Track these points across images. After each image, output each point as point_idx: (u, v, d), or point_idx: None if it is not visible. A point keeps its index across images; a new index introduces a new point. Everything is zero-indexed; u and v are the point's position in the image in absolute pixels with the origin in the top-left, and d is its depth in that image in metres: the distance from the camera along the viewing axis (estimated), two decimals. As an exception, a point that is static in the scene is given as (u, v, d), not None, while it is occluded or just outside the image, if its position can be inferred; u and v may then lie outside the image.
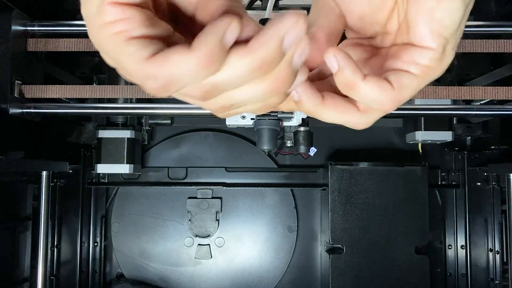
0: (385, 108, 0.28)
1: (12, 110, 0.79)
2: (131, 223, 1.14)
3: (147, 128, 1.10)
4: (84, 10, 0.24)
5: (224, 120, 0.91)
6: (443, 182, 1.14)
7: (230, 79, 0.23)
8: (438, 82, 1.03)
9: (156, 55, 0.23)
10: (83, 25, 0.84)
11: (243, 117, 0.86)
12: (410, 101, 0.92)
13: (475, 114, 0.86)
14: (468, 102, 0.93)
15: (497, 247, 1.08)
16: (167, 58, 0.22)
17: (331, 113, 0.29)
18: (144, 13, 0.24)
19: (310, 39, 0.29)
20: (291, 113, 0.85)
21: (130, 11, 0.23)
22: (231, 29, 0.22)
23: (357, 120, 0.30)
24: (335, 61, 0.28)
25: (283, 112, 0.85)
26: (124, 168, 1.02)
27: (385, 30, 0.31)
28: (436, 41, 0.27)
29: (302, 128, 0.92)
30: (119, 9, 0.23)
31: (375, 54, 0.32)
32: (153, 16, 0.24)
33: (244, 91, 0.24)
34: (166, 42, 0.24)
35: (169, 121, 1.13)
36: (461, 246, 1.12)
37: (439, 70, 0.28)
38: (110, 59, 0.25)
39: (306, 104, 0.29)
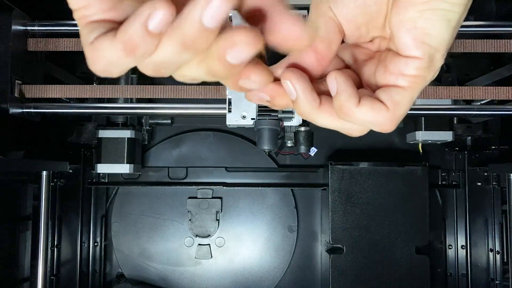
0: (384, 128, 0.28)
1: (12, 110, 0.79)
2: (131, 223, 1.13)
3: (147, 128, 1.10)
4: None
5: (224, 120, 0.91)
6: (444, 182, 1.14)
7: (167, 60, 0.23)
8: (439, 82, 1.03)
9: (95, 40, 0.23)
10: (83, 25, 0.84)
11: (244, 117, 0.86)
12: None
13: (475, 114, 0.86)
14: (468, 102, 0.93)
15: (497, 247, 1.07)
16: (100, 43, 0.23)
17: (326, 118, 0.29)
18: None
19: (311, 51, 0.29)
20: (292, 113, 0.85)
21: None
22: (155, 14, 0.21)
23: (352, 127, 0.30)
24: (335, 84, 0.28)
25: (283, 112, 0.85)
26: (124, 168, 1.02)
27: (382, 35, 0.31)
28: (421, 49, 0.27)
29: (302, 128, 0.92)
30: None
31: (372, 57, 0.31)
32: None
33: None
34: None
35: (169, 121, 1.13)
36: (462, 246, 1.12)
37: (428, 77, 0.28)
38: None
39: (302, 105, 0.29)
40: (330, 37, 0.30)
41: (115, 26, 0.24)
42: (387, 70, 0.28)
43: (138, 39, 0.22)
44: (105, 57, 0.23)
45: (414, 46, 0.27)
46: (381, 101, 0.28)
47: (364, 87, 0.30)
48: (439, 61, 0.28)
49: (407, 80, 0.28)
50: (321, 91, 0.29)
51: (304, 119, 0.30)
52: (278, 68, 0.30)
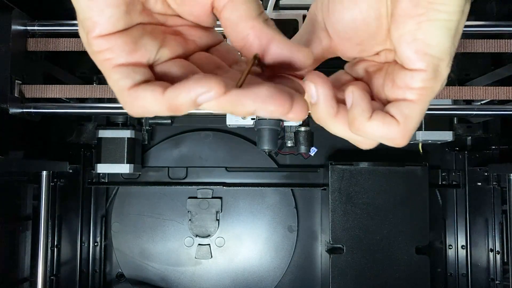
0: (396, 142, 0.28)
1: (12, 110, 0.79)
2: (131, 223, 1.13)
3: (147, 128, 1.10)
4: (80, 35, 0.26)
5: (224, 120, 0.91)
6: (444, 182, 1.14)
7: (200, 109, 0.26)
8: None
9: (134, 88, 0.25)
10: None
11: (243, 117, 0.86)
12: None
13: (476, 114, 0.86)
14: (468, 102, 0.93)
15: (497, 247, 1.07)
16: (143, 95, 0.25)
17: (339, 127, 0.29)
18: (129, 37, 0.26)
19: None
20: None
21: (113, 40, 0.25)
22: (206, 93, 0.24)
23: (362, 139, 0.30)
24: (351, 98, 0.28)
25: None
26: (124, 168, 1.02)
27: (386, 48, 0.31)
28: (424, 61, 0.26)
29: (302, 128, 0.92)
30: (102, 40, 0.25)
31: (381, 68, 0.31)
32: (139, 36, 0.26)
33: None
34: (153, 62, 0.27)
35: (169, 121, 1.13)
36: (462, 246, 1.12)
37: (435, 88, 0.28)
38: None
39: (320, 111, 0.29)
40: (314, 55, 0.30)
41: (148, 74, 0.26)
42: (395, 84, 0.28)
43: (186, 106, 0.24)
44: (146, 107, 0.25)
45: (417, 58, 0.27)
46: (392, 116, 0.28)
47: (374, 99, 0.30)
48: (445, 71, 0.27)
49: (415, 93, 0.27)
50: (339, 100, 0.29)
51: (318, 123, 0.30)
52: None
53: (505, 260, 1.05)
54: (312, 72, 0.29)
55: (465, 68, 1.06)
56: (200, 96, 0.24)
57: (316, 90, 0.28)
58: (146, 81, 0.25)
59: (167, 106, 0.25)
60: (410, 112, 0.28)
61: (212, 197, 1.13)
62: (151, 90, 0.25)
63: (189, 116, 1.12)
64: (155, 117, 1.11)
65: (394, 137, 0.28)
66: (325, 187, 1.06)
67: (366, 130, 0.27)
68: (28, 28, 0.83)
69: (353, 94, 0.28)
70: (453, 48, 0.27)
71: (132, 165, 1.02)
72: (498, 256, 1.07)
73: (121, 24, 0.25)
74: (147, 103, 0.25)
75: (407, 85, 0.27)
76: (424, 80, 0.27)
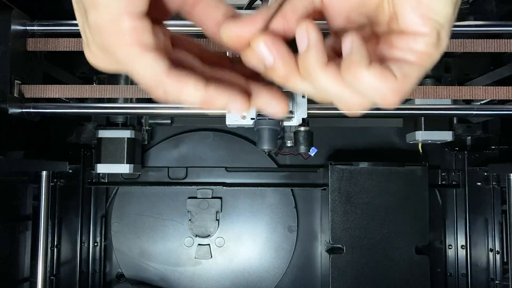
0: (387, 99, 0.27)
1: (12, 110, 0.79)
2: (131, 223, 1.13)
3: (147, 128, 1.10)
4: (96, 16, 0.26)
5: (224, 120, 0.91)
6: (443, 182, 1.14)
7: None
8: (438, 82, 1.03)
9: (175, 72, 0.26)
10: (83, 25, 0.84)
11: (243, 116, 0.86)
12: (410, 100, 0.91)
13: (475, 114, 0.86)
14: (468, 102, 0.93)
15: (497, 247, 1.07)
16: (185, 80, 0.27)
17: (329, 79, 0.27)
18: (149, 20, 0.26)
19: (280, 17, 0.29)
20: (291, 112, 0.85)
21: (144, 21, 0.26)
22: (235, 105, 0.28)
23: (352, 96, 0.28)
24: (349, 44, 0.27)
25: (283, 112, 0.85)
26: (124, 168, 1.02)
27: (375, 21, 0.30)
28: (428, 25, 0.27)
29: (302, 128, 0.92)
30: (136, 19, 0.25)
31: (367, 41, 0.30)
32: (153, 25, 0.27)
33: None
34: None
35: (169, 121, 1.13)
36: (461, 246, 1.12)
37: (435, 55, 0.28)
38: (117, 63, 0.28)
39: (310, 57, 0.27)
40: (303, 10, 0.30)
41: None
42: (394, 46, 0.28)
43: (218, 106, 0.28)
44: (182, 93, 0.27)
45: (421, 23, 0.27)
46: (391, 71, 0.27)
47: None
48: (445, 39, 0.27)
49: (416, 56, 0.27)
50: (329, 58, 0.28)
51: (306, 78, 0.28)
52: (250, 25, 0.29)
53: (505, 260, 1.05)
54: (304, 19, 0.28)
55: (464, 68, 1.06)
56: (232, 104, 0.27)
57: (308, 35, 0.27)
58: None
59: (204, 99, 0.27)
60: (409, 71, 0.27)
61: (212, 197, 1.13)
62: (194, 79, 0.26)
63: (189, 116, 1.12)
64: (155, 117, 1.11)
65: (389, 93, 0.26)
66: (325, 187, 1.06)
67: (362, 79, 0.26)
68: (27, 28, 0.83)
69: (353, 40, 0.27)
70: (453, 17, 0.27)
71: (132, 165, 1.02)
72: (498, 256, 1.07)
73: (147, 5, 0.26)
74: (186, 90, 0.26)
75: (409, 47, 0.27)
76: (427, 44, 0.27)
